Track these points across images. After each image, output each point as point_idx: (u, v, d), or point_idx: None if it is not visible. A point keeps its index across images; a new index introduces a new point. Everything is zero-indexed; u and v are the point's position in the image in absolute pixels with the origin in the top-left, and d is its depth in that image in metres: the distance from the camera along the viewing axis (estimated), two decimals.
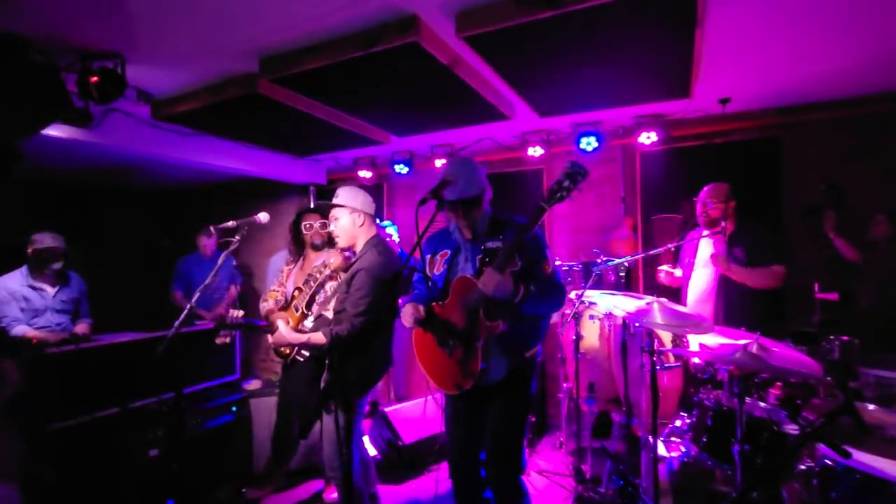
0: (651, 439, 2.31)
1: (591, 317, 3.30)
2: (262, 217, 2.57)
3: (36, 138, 2.59)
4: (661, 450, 2.43)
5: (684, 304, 3.05)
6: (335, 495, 2.92)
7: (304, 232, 2.98)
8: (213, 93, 2.97)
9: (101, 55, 2.43)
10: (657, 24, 2.18)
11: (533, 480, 3.14)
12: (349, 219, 2.40)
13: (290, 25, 2.27)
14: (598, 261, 3.25)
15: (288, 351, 2.77)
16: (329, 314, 2.52)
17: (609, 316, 3.20)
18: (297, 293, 2.82)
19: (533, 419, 3.77)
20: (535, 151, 3.96)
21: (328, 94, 3.02)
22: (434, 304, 2.03)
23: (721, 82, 3.07)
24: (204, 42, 2.43)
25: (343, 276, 2.84)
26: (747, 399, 2.21)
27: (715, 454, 2.20)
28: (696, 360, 2.82)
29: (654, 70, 2.73)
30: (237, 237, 2.43)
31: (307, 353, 2.67)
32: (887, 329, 2.78)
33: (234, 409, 3.10)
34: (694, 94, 3.12)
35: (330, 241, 3.02)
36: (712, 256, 2.91)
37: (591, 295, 2.86)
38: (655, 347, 2.35)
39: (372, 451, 3.49)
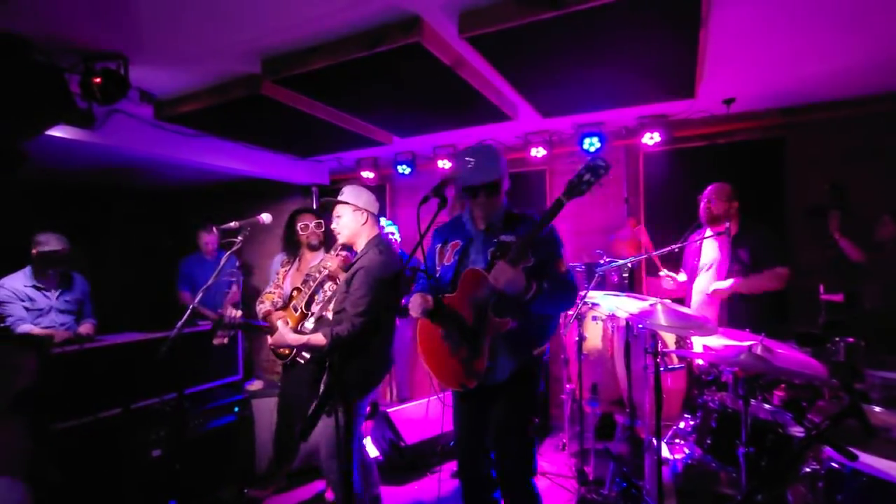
0: (655, 441, 2.30)
1: (595, 318, 3.29)
2: (265, 218, 2.57)
3: (39, 139, 2.59)
4: (665, 452, 2.42)
5: (688, 306, 3.04)
6: None
7: (301, 232, 2.98)
8: (215, 93, 2.97)
9: (104, 56, 2.44)
10: (660, 24, 2.18)
11: (535, 482, 3.12)
12: (352, 216, 2.40)
13: (293, 26, 2.27)
14: (601, 262, 3.24)
15: (287, 352, 2.77)
16: (330, 315, 2.52)
17: (612, 317, 3.19)
18: (295, 293, 2.82)
19: (536, 420, 3.75)
20: (538, 152, 3.95)
21: (331, 94, 3.02)
22: (443, 295, 1.95)
23: (725, 82, 3.06)
24: (207, 43, 2.43)
25: (342, 276, 2.84)
26: (752, 401, 2.20)
27: (719, 456, 2.19)
28: (700, 361, 2.81)
29: (658, 70, 2.72)
30: (240, 238, 2.43)
31: (307, 355, 2.66)
32: (893, 330, 2.76)
33: (236, 409, 3.10)
34: (698, 94, 3.11)
35: (326, 241, 3.03)
36: (710, 295, 2.91)
37: (595, 296, 2.85)
38: (659, 349, 2.34)
39: (374, 452, 3.48)
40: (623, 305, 2.49)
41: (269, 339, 2.63)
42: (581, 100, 3.25)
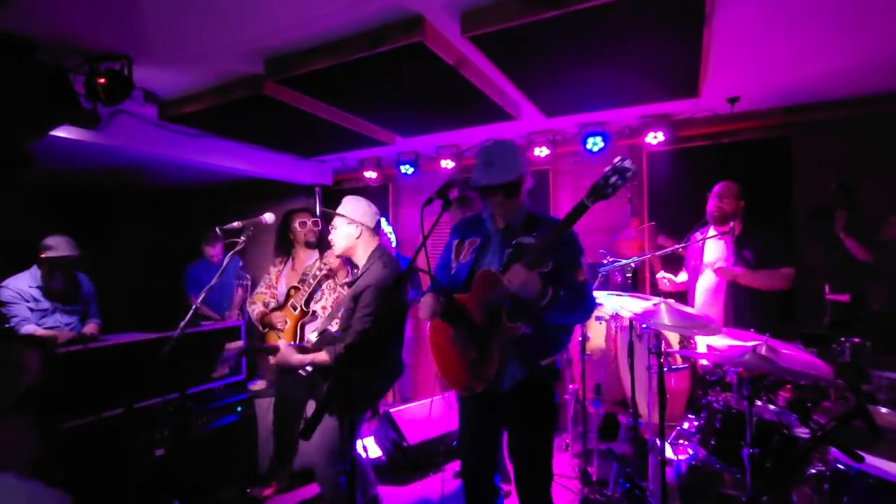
0: (658, 442, 2.29)
1: (598, 318, 3.28)
2: (268, 217, 2.57)
3: (44, 140, 2.60)
4: (669, 452, 2.41)
5: (691, 306, 3.02)
6: None
7: (299, 229, 3.00)
8: (218, 94, 2.98)
9: (109, 57, 2.45)
10: (664, 23, 2.16)
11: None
12: (346, 229, 2.37)
13: (296, 26, 2.28)
14: (605, 261, 3.23)
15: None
16: (333, 328, 2.49)
17: (615, 317, 3.18)
18: (293, 292, 2.82)
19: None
20: (541, 152, 3.95)
21: (333, 94, 3.02)
22: (457, 294, 1.87)
23: (729, 81, 3.05)
24: (210, 43, 2.44)
25: (340, 277, 2.83)
26: (756, 401, 2.19)
27: (724, 457, 2.18)
28: (704, 361, 2.79)
29: (661, 69, 2.70)
30: (243, 237, 2.43)
31: (310, 369, 2.66)
32: None
33: (239, 409, 3.10)
34: (702, 93, 3.10)
35: (320, 241, 3.02)
36: (716, 270, 2.89)
37: (598, 296, 2.84)
38: (663, 349, 2.33)
39: (377, 452, 3.48)
40: (626, 305, 2.49)
41: (271, 360, 2.59)
42: (584, 99, 3.24)
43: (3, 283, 3.16)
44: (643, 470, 2.71)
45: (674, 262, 3.39)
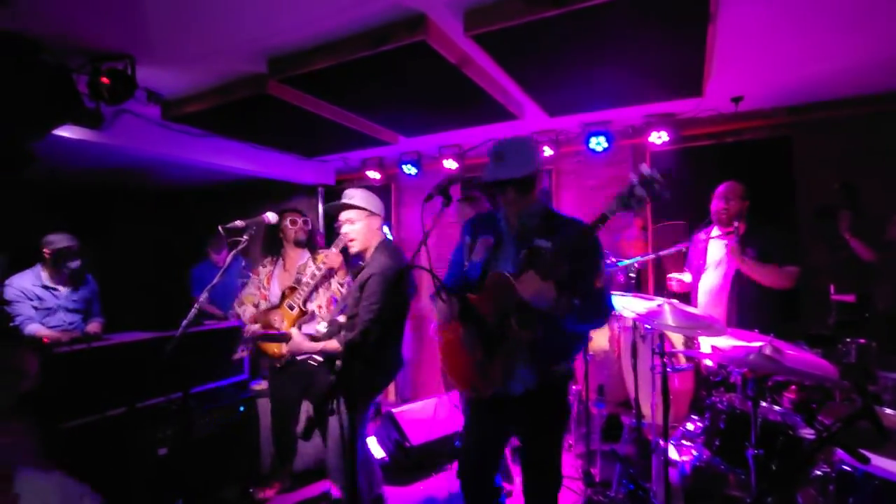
0: (662, 443, 2.28)
1: None
2: (270, 217, 2.58)
3: (48, 139, 2.61)
4: (673, 453, 2.40)
5: (695, 306, 3.01)
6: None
7: (290, 227, 2.97)
8: (222, 93, 2.98)
9: (112, 56, 2.45)
10: (668, 22, 2.15)
11: None
12: (366, 223, 2.36)
13: (299, 25, 2.27)
14: (608, 262, 3.22)
15: (284, 354, 2.78)
16: (342, 319, 2.50)
17: (619, 317, 3.17)
18: (288, 292, 2.81)
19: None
20: (545, 152, 3.94)
21: (336, 94, 3.01)
22: (469, 294, 1.82)
23: (733, 80, 3.03)
24: (213, 43, 2.44)
25: (339, 276, 2.83)
26: (761, 402, 2.18)
27: (728, 458, 2.16)
28: (708, 362, 2.78)
29: (665, 68, 2.69)
30: (245, 237, 2.44)
31: (320, 359, 2.66)
32: None
33: (241, 408, 3.10)
34: (706, 92, 3.08)
35: (310, 239, 3.01)
36: (728, 248, 2.85)
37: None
38: (666, 349, 2.32)
39: (380, 453, 3.48)
40: (630, 305, 2.48)
41: (285, 348, 2.61)
42: (588, 98, 3.23)
43: (7, 282, 3.18)
44: (647, 471, 2.70)
45: (679, 260, 3.36)
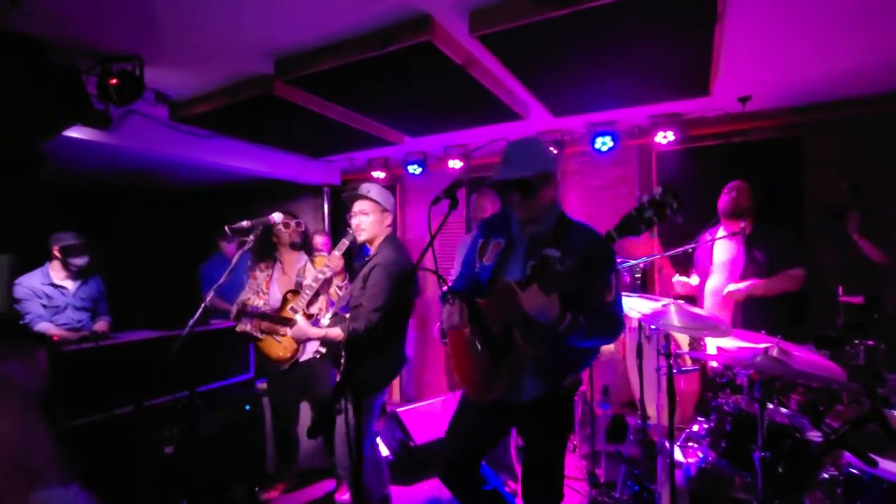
0: (667, 444, 2.27)
1: None
2: (276, 217, 2.59)
3: (57, 140, 2.64)
4: (678, 455, 2.38)
5: (701, 307, 2.99)
6: (347, 496, 2.92)
7: (283, 231, 2.93)
8: (228, 94, 3.00)
9: (120, 57, 2.47)
10: (675, 21, 2.14)
11: None
12: (379, 216, 2.40)
13: (305, 26, 2.29)
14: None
15: (289, 356, 2.79)
16: (343, 313, 2.53)
17: (624, 318, 3.15)
18: (290, 296, 2.82)
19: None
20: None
21: (342, 94, 3.03)
22: (478, 299, 1.79)
23: (741, 80, 3.01)
24: (220, 44, 2.45)
25: (338, 279, 2.84)
26: (768, 404, 2.16)
27: (734, 461, 2.15)
28: (714, 363, 2.76)
29: (672, 68, 2.68)
30: (251, 237, 2.46)
31: (323, 350, 2.67)
32: None
33: (247, 407, 3.12)
34: (713, 92, 3.06)
35: (304, 242, 3.02)
36: (726, 295, 2.85)
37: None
38: (672, 350, 2.30)
39: (384, 452, 3.49)
40: (635, 306, 2.47)
41: (290, 332, 2.62)
42: (593, 99, 3.22)
43: (17, 281, 3.23)
44: (652, 472, 2.68)
45: (682, 264, 3.35)
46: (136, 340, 2.70)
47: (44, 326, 3.15)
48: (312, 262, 3.00)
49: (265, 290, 2.96)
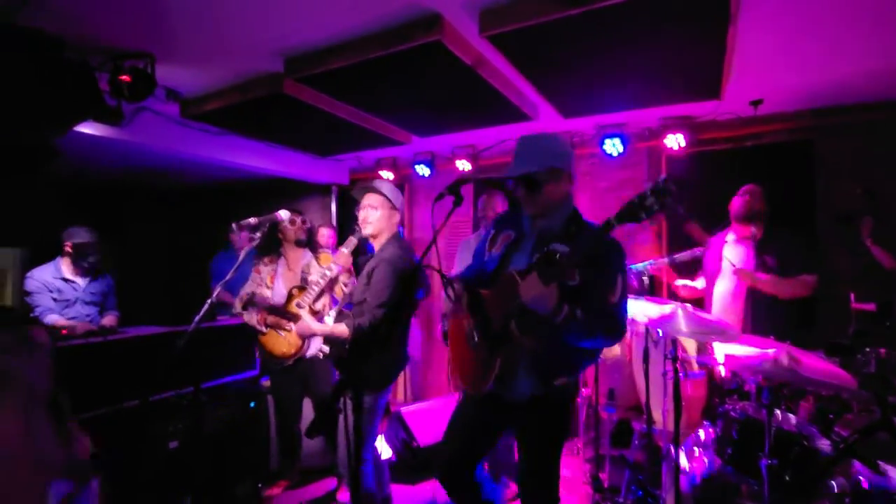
0: (673, 450, 2.24)
1: None
2: (283, 214, 2.61)
3: (70, 136, 2.67)
4: (683, 461, 2.36)
5: (709, 312, 2.96)
6: (348, 496, 2.92)
7: (289, 227, 2.95)
8: (239, 92, 3.02)
9: (133, 55, 2.50)
10: (687, 22, 2.12)
11: None
12: (387, 213, 2.41)
13: (315, 25, 2.30)
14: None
15: (293, 352, 2.80)
16: (346, 311, 2.53)
17: (631, 322, 3.13)
18: (296, 292, 2.83)
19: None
20: None
21: (351, 93, 3.03)
22: (481, 289, 1.78)
23: (753, 83, 2.98)
24: (231, 42, 2.47)
25: (343, 277, 2.85)
26: (776, 412, 2.13)
27: (740, 468, 2.12)
28: (721, 369, 2.73)
29: (683, 69, 2.66)
30: (258, 234, 2.47)
31: (327, 349, 2.67)
32: None
33: (252, 404, 3.13)
34: (724, 95, 3.03)
35: (310, 239, 3.04)
36: (735, 272, 2.81)
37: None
38: (679, 355, 2.28)
39: (387, 452, 3.49)
40: (642, 310, 2.45)
41: (294, 327, 2.63)
42: (603, 100, 3.20)
43: (28, 274, 3.27)
44: (656, 478, 2.66)
45: (689, 268, 3.31)
46: (143, 335, 2.71)
47: (52, 318, 3.18)
48: (317, 258, 3.01)
49: (269, 284, 2.97)
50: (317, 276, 2.78)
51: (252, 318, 2.89)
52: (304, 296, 2.78)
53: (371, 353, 2.14)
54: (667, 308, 2.38)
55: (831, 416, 2.30)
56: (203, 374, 2.80)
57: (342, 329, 2.33)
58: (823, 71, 2.79)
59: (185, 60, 2.68)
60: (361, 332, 2.18)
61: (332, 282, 2.84)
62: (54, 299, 3.26)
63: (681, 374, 2.30)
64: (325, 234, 4.40)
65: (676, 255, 3.10)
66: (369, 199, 2.41)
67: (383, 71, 2.57)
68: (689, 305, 2.35)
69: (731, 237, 3.01)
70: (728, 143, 3.70)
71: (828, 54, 2.57)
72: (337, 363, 2.43)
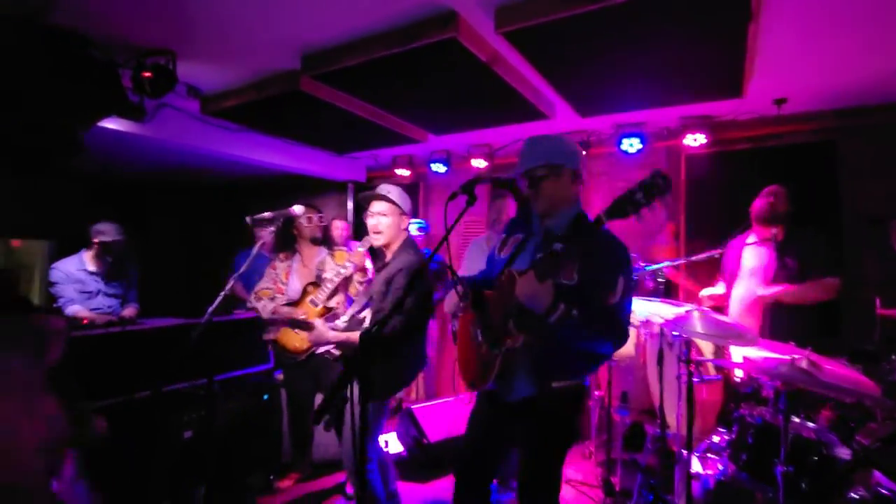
0: (686, 454, 2.20)
1: None
2: (298, 209, 2.63)
3: (94, 131, 2.75)
4: (697, 466, 2.31)
5: (727, 315, 2.90)
6: None
7: (306, 224, 2.96)
8: (257, 89, 3.07)
9: (155, 51, 2.55)
10: (707, 19, 2.08)
11: None
12: (397, 219, 2.35)
13: (332, 23, 2.32)
14: (636, 266, 3.14)
15: (306, 346, 2.82)
16: (364, 315, 2.52)
17: (646, 323, 3.08)
18: (310, 289, 2.84)
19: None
20: None
21: (367, 90, 3.05)
22: (487, 290, 1.80)
23: (776, 81, 2.90)
24: (250, 40, 2.51)
25: (358, 275, 2.85)
26: (795, 418, 2.08)
27: (755, 474, 2.07)
28: (738, 373, 2.67)
29: (704, 67, 2.60)
30: (272, 228, 2.50)
31: (337, 353, 2.69)
32: None
33: (265, 397, 3.18)
34: (746, 93, 2.96)
35: (325, 237, 3.05)
36: (758, 298, 2.75)
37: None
38: (695, 358, 2.24)
39: (398, 448, 3.50)
40: (657, 311, 2.41)
41: (309, 336, 2.64)
42: (621, 99, 3.16)
43: (53, 265, 3.37)
44: (669, 483, 2.61)
45: (712, 265, 3.24)
46: (161, 327, 2.76)
47: (74, 309, 3.28)
48: (332, 256, 3.03)
49: (284, 280, 2.99)
50: (331, 273, 2.79)
51: (266, 308, 2.92)
52: (318, 292, 2.80)
53: (381, 358, 2.14)
54: (682, 309, 2.34)
55: (853, 424, 2.23)
56: (217, 367, 2.83)
57: (356, 337, 2.33)
58: (848, 71, 2.70)
59: (205, 57, 2.73)
60: (377, 339, 2.17)
61: (347, 280, 2.85)
62: (78, 291, 3.35)
63: (695, 378, 2.26)
64: (338, 227, 4.42)
65: (694, 257, 3.04)
66: (378, 207, 2.34)
67: (399, 68, 2.57)
68: (705, 307, 2.30)
69: (751, 238, 2.94)
70: (749, 142, 3.61)
71: (853, 54, 2.49)
72: (323, 361, 2.42)
